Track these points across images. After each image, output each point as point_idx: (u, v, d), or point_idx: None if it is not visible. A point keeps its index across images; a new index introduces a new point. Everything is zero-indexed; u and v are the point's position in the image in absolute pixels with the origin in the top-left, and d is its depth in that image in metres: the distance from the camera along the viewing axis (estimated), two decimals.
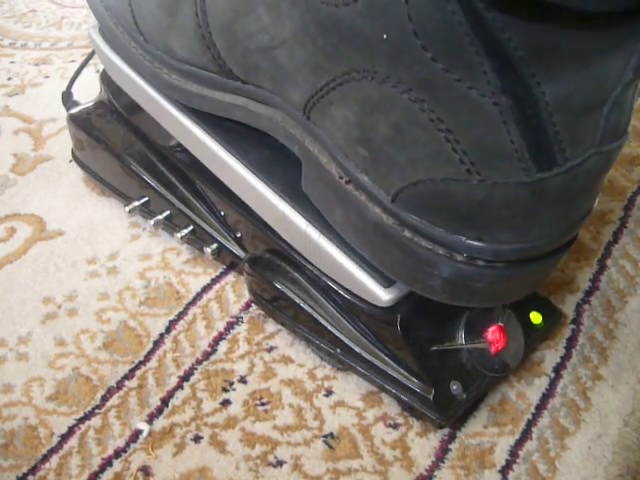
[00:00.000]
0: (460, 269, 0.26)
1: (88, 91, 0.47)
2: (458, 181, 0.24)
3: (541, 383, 0.35)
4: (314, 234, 0.32)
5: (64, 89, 0.46)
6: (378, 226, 0.28)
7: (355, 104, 0.26)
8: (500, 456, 0.32)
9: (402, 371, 0.32)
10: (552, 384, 0.35)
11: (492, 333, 0.31)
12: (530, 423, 0.33)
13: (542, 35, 0.21)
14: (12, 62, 0.62)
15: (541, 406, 0.34)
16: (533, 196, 0.24)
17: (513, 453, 0.32)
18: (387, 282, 0.30)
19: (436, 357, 0.31)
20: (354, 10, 0.23)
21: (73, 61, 0.62)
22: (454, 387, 0.31)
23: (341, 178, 0.29)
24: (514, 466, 0.32)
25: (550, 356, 0.36)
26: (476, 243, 0.26)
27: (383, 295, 0.30)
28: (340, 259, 0.31)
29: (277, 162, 0.34)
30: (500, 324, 0.32)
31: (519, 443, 0.32)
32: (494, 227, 0.25)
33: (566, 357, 0.36)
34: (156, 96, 0.37)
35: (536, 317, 0.35)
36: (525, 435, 0.33)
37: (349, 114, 0.26)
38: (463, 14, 0.20)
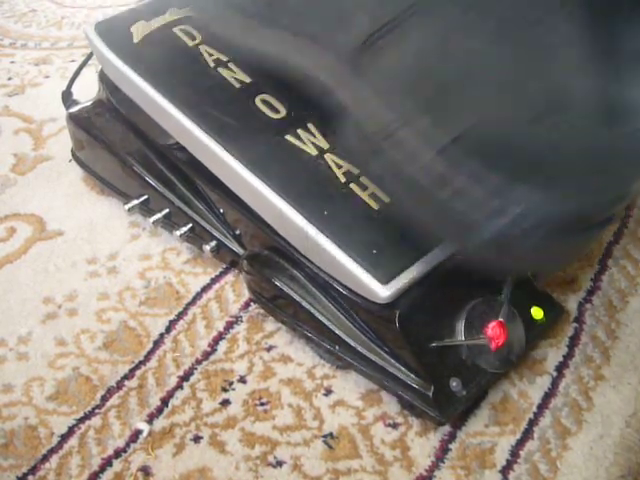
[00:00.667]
0: (506, 229, 0.25)
1: (88, 91, 0.47)
2: (523, 127, 0.23)
3: (543, 382, 0.35)
4: (312, 231, 0.32)
5: (64, 89, 0.46)
6: (427, 173, 0.26)
7: (419, 42, 0.24)
8: (501, 456, 0.32)
9: (401, 368, 0.31)
10: (554, 383, 0.35)
11: (492, 329, 0.31)
12: (532, 422, 0.33)
13: None
14: (12, 62, 0.62)
15: (543, 405, 0.34)
16: (590, 152, 0.23)
17: (514, 453, 0.32)
18: (385, 278, 0.30)
19: (435, 354, 0.31)
20: None
21: (73, 61, 0.61)
22: (454, 384, 0.31)
23: (381, 131, 0.27)
24: (515, 466, 0.31)
25: (552, 354, 0.36)
26: (528, 195, 0.24)
27: (381, 291, 0.30)
28: (338, 256, 0.31)
29: (274, 159, 0.34)
30: (500, 320, 0.31)
31: (520, 443, 0.32)
32: (548, 181, 0.24)
33: (568, 356, 0.36)
34: (153, 93, 0.37)
35: (537, 312, 0.34)
36: (526, 435, 0.32)
37: (408, 55, 0.25)
38: None
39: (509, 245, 0.26)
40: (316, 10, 0.28)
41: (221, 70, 0.37)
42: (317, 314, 0.34)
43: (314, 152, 0.35)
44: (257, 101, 0.37)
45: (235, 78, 0.38)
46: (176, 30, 0.40)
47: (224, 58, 0.38)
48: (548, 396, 0.34)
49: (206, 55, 0.38)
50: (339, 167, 0.34)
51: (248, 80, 0.38)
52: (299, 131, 0.36)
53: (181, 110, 0.36)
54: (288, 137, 0.35)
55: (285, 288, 0.34)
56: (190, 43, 0.39)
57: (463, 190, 0.25)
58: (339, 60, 0.29)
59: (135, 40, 0.39)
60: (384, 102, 0.26)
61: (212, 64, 0.38)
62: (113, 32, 0.40)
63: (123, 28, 0.40)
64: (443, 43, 0.24)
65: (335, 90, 0.29)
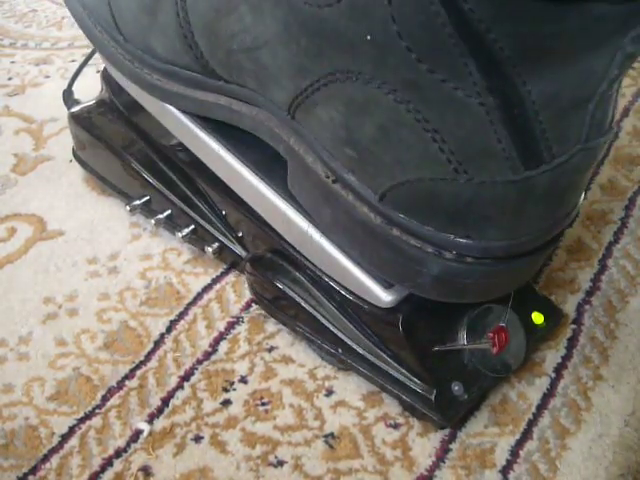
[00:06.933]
0: (449, 266, 0.27)
1: (89, 90, 0.47)
2: (445, 180, 0.24)
3: (542, 383, 0.35)
4: (316, 235, 0.32)
5: (65, 88, 0.46)
6: (366, 225, 0.28)
7: (340, 105, 0.26)
8: (501, 456, 0.32)
9: (403, 371, 0.32)
10: (553, 384, 0.35)
11: (494, 333, 0.31)
12: (531, 423, 0.33)
13: (528, 34, 0.21)
14: (12, 62, 0.62)
15: (542, 406, 0.34)
16: (521, 194, 0.24)
17: (514, 453, 0.32)
18: (388, 283, 0.30)
19: (438, 357, 0.31)
20: (337, 11, 0.23)
21: (74, 61, 0.61)
22: (456, 388, 0.31)
23: (327, 177, 0.29)
24: (515, 466, 0.32)
25: (551, 356, 0.36)
26: (464, 241, 0.26)
27: (384, 296, 0.30)
28: (341, 260, 0.31)
29: (279, 162, 0.34)
30: (502, 324, 0.32)
31: (520, 443, 0.32)
32: (482, 225, 0.26)
33: (567, 357, 0.36)
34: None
35: (538, 317, 0.35)
36: (526, 435, 0.33)
37: (335, 114, 0.26)
38: (447, 15, 0.20)
39: (458, 277, 0.27)
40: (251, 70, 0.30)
41: None
42: (319, 317, 0.34)
43: None
44: None
45: None
46: None
47: None
48: (547, 397, 0.34)
49: None
50: None
51: None
52: None
53: (186, 113, 0.36)
54: None
55: (288, 291, 0.34)
56: None
57: (401, 238, 0.27)
58: (278, 113, 0.30)
59: None
60: (326, 151, 0.29)
61: None
62: None
63: None
64: (361, 109, 0.25)
65: (284, 137, 0.31)
